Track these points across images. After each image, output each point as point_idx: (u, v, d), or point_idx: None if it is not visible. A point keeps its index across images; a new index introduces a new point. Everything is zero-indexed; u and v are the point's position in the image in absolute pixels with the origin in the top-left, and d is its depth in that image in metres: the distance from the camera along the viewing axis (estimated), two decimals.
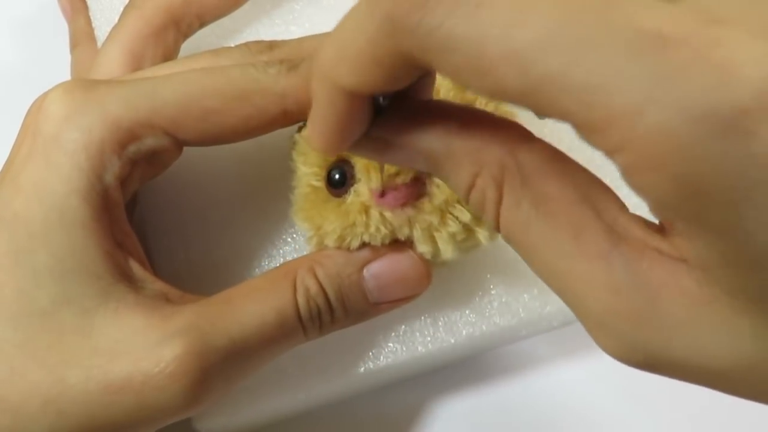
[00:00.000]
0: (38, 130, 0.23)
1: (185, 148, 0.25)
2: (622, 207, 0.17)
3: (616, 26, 0.13)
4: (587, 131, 0.14)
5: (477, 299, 0.29)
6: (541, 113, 0.15)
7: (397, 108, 0.18)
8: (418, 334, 0.28)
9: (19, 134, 0.25)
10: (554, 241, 0.16)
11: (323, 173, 0.24)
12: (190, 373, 0.21)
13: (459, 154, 0.17)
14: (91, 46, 0.35)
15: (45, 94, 0.23)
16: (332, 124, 0.17)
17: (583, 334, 0.31)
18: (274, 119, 0.24)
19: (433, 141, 0.18)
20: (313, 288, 0.23)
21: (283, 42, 0.26)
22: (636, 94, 0.13)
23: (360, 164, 0.23)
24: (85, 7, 0.36)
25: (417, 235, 0.23)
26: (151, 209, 0.29)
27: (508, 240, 0.18)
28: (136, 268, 0.23)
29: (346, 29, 0.16)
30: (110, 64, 0.27)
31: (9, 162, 0.24)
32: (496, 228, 0.18)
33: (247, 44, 0.26)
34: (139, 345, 0.21)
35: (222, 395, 0.23)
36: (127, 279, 0.23)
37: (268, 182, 0.29)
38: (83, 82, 0.23)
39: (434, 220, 0.23)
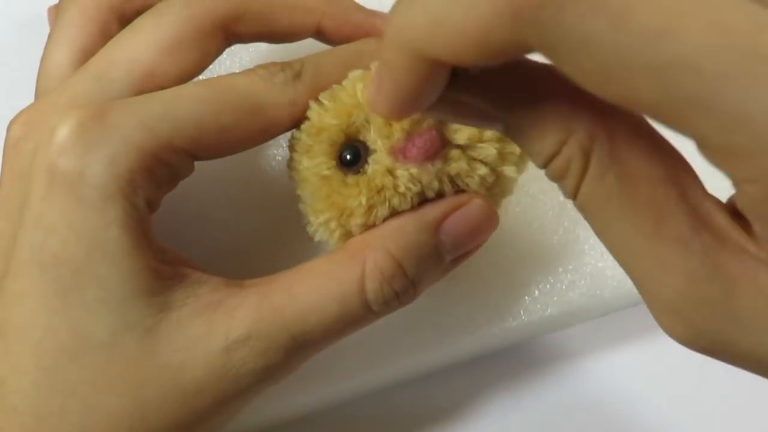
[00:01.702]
0: (56, 167, 0.22)
1: None
2: (706, 192, 0.17)
3: None
4: (719, 156, 0.14)
5: (478, 301, 0.29)
6: (672, 127, 0.14)
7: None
8: (418, 336, 0.28)
9: (10, 159, 0.24)
10: (634, 219, 0.16)
11: (332, 161, 0.23)
12: (256, 371, 0.22)
13: (546, 120, 0.16)
14: None
15: (48, 127, 0.22)
16: (408, 91, 0.16)
17: (582, 338, 0.32)
18: (285, 126, 0.24)
19: (519, 106, 0.17)
20: (389, 269, 0.23)
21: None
22: None
23: (376, 125, 0.22)
24: None
25: (447, 189, 0.23)
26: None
27: (584, 210, 0.17)
28: (188, 273, 0.23)
29: (444, 3, 0.15)
30: (61, 67, 0.26)
31: (8, 194, 0.23)
32: (572, 197, 0.17)
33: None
34: (205, 352, 0.22)
35: (289, 375, 0.24)
36: (181, 286, 0.23)
37: (270, 184, 0.29)
38: (95, 111, 0.23)
39: (463, 165, 0.22)
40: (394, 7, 0.16)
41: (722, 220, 0.16)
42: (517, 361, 0.31)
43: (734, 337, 0.16)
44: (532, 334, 0.30)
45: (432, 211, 0.23)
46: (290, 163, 0.25)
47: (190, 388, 0.22)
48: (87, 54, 0.26)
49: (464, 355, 0.30)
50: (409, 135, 0.22)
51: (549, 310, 0.29)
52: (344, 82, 0.24)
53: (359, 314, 0.23)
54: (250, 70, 0.24)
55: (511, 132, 0.17)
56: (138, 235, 0.22)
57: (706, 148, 0.14)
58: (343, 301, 0.23)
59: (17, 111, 0.24)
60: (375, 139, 0.23)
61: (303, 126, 0.24)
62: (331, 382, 0.28)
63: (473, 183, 0.23)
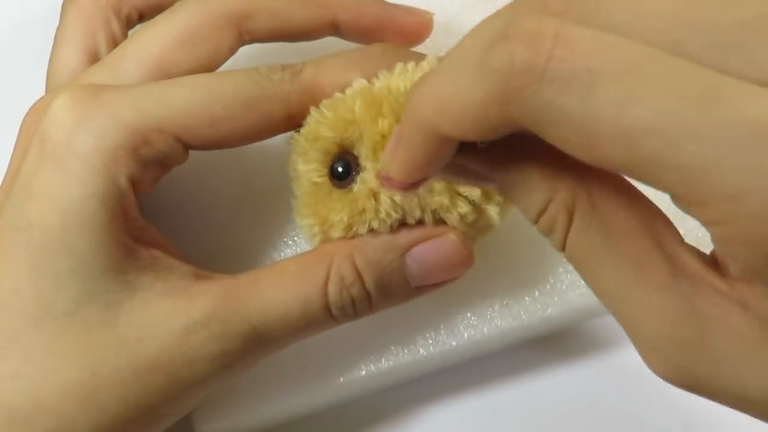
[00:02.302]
0: (46, 136, 0.23)
1: None
2: (681, 241, 0.18)
3: (723, 117, 0.14)
4: (686, 204, 0.15)
5: (478, 301, 0.29)
6: (643, 182, 0.16)
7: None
8: (419, 336, 0.28)
9: (20, 141, 0.25)
10: (617, 268, 0.17)
11: (325, 169, 0.24)
12: (212, 356, 0.23)
13: (534, 181, 0.18)
14: None
15: (49, 101, 0.23)
16: (420, 160, 0.19)
17: (582, 338, 0.32)
18: (280, 124, 0.25)
19: (511, 169, 0.19)
20: (350, 277, 0.23)
21: None
22: (739, 180, 0.14)
23: (367, 149, 0.23)
24: None
25: (428, 219, 0.23)
26: (150, 213, 0.29)
27: (572, 261, 0.19)
28: (161, 257, 0.24)
29: (448, 84, 0.17)
30: (68, 67, 0.27)
31: (13, 170, 0.24)
32: (561, 249, 0.18)
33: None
34: (165, 330, 0.22)
35: (247, 371, 0.25)
36: (152, 269, 0.23)
37: (267, 185, 0.29)
38: (90, 88, 0.23)
39: (445, 200, 0.23)
40: (412, 89, 0.18)
41: (697, 266, 0.17)
42: (517, 360, 0.31)
43: (712, 375, 0.17)
44: (532, 334, 0.30)
45: (404, 236, 0.24)
46: (289, 161, 0.25)
47: (145, 364, 0.22)
48: (91, 52, 0.27)
49: (464, 355, 0.30)
50: None
51: (549, 310, 0.29)
52: (347, 91, 0.24)
53: (320, 316, 0.24)
54: (252, 67, 0.24)
55: (504, 191, 0.19)
56: (116, 212, 0.23)
57: (676, 198, 0.15)
58: (306, 301, 0.23)
59: (17, 110, 0.25)
60: (365, 159, 0.23)
61: (302, 130, 0.24)
62: (331, 382, 0.28)
63: (452, 219, 0.24)
